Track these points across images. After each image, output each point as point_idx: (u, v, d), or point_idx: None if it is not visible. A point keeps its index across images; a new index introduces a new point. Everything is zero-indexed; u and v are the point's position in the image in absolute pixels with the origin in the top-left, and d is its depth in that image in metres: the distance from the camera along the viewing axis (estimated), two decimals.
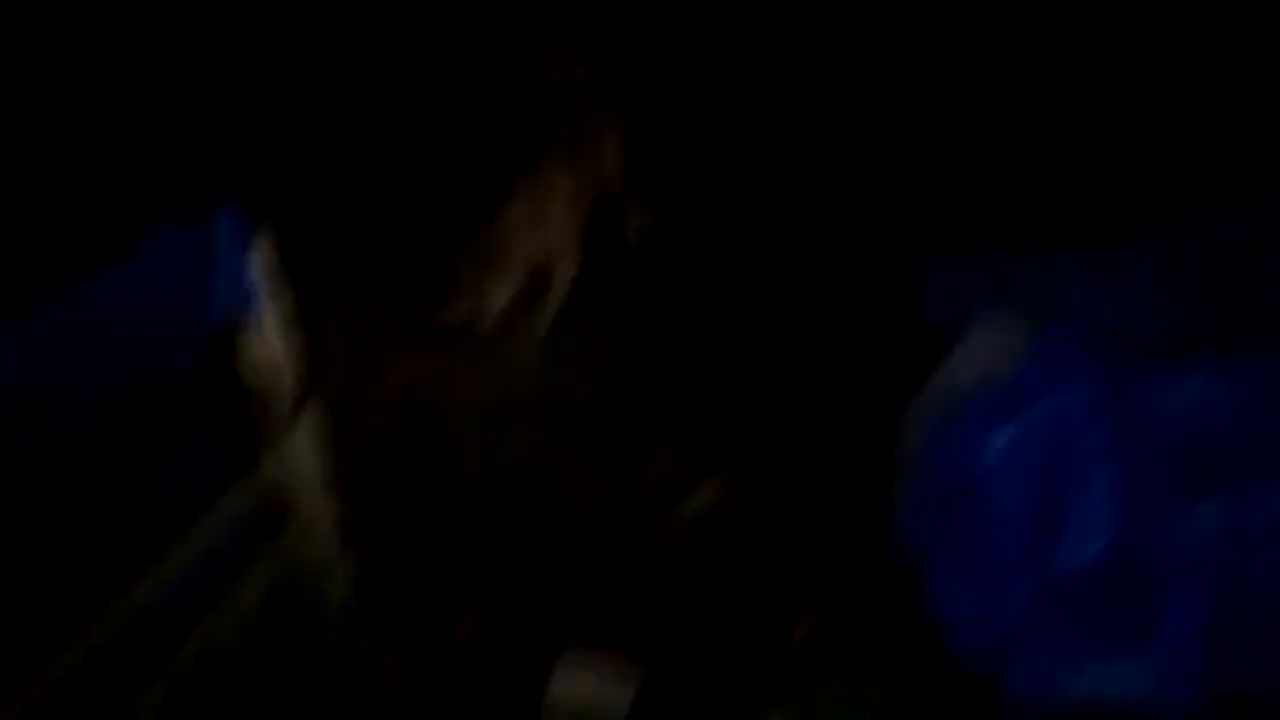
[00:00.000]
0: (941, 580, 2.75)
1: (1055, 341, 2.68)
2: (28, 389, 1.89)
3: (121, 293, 2.04)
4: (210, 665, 2.47)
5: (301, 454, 2.58)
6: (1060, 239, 3.79)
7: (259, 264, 2.27)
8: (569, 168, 4.39)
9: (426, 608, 2.92)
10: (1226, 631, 2.39)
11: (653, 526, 3.25)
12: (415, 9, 5.80)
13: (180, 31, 5.18)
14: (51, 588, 2.06)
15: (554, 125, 4.56)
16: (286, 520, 2.67)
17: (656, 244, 4.85)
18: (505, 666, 2.75)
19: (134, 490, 2.20)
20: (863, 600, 2.91)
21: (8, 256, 2.34)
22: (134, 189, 2.35)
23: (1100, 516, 2.58)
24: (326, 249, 4.76)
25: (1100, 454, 2.58)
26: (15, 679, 1.98)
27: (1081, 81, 4.90)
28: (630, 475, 3.48)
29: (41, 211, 2.43)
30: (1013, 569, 2.66)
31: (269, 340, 2.38)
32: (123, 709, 2.26)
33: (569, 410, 3.83)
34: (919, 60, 5.21)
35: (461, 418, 3.80)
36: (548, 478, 3.49)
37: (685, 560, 3.11)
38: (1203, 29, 4.68)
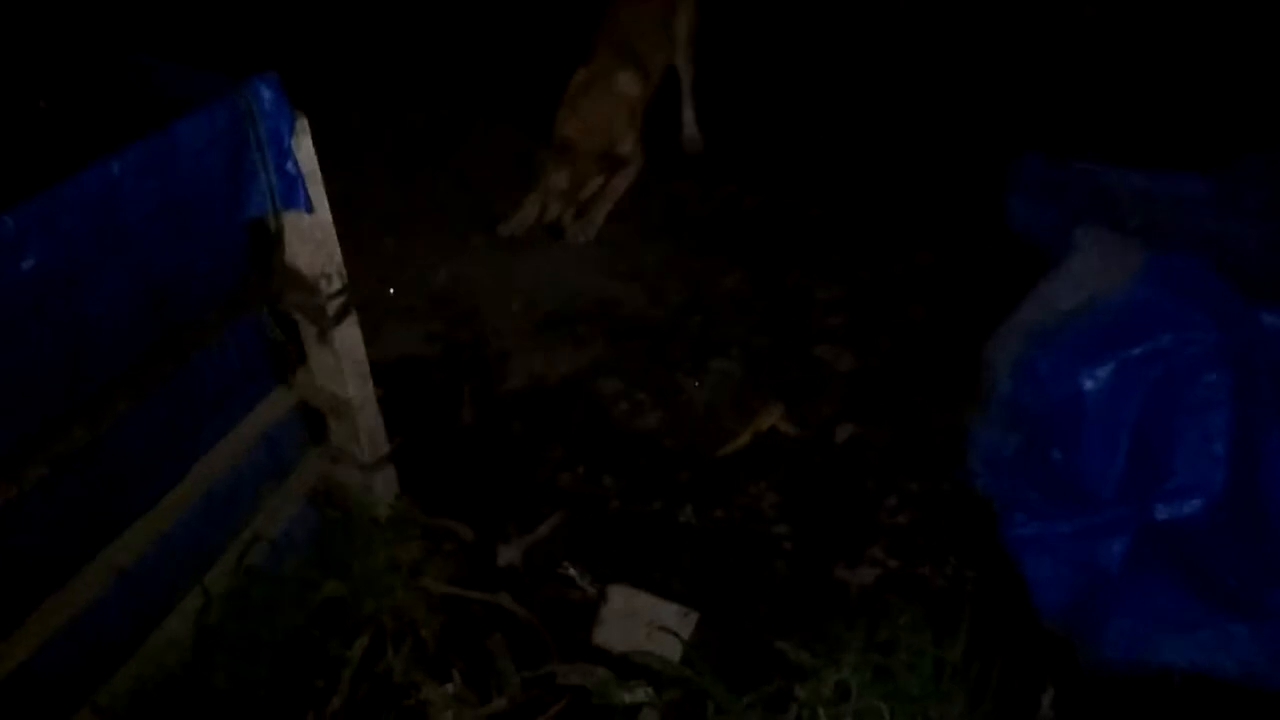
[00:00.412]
0: (1024, 524, 2.55)
1: (1175, 271, 2.43)
2: (48, 281, 1.69)
3: (150, 176, 1.82)
4: (253, 571, 2.34)
5: (343, 355, 2.39)
6: (1158, 153, 3.52)
7: (301, 153, 2.04)
8: (635, 53, 4.10)
9: (469, 528, 2.74)
10: None
11: (709, 449, 3.05)
12: None
13: None
14: (85, 486, 1.91)
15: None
16: (327, 428, 2.51)
17: (713, 144, 4.59)
18: (551, 597, 2.58)
19: (169, 392, 2.02)
20: (937, 541, 2.71)
21: (28, 136, 2.15)
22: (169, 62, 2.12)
23: (1210, 464, 2.37)
24: (371, 140, 4.55)
25: (1216, 396, 2.36)
26: (51, 576, 1.86)
27: None
28: (686, 393, 3.27)
29: (62, 88, 2.21)
30: (1107, 516, 2.46)
31: (312, 235, 2.16)
32: (160, 614, 2.14)
33: (621, 321, 3.62)
34: None
35: (508, 325, 3.59)
36: (597, 392, 3.29)
37: (743, 487, 2.91)
38: None
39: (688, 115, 4.54)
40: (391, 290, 3.69)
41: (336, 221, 2.21)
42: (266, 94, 1.94)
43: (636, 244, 4.01)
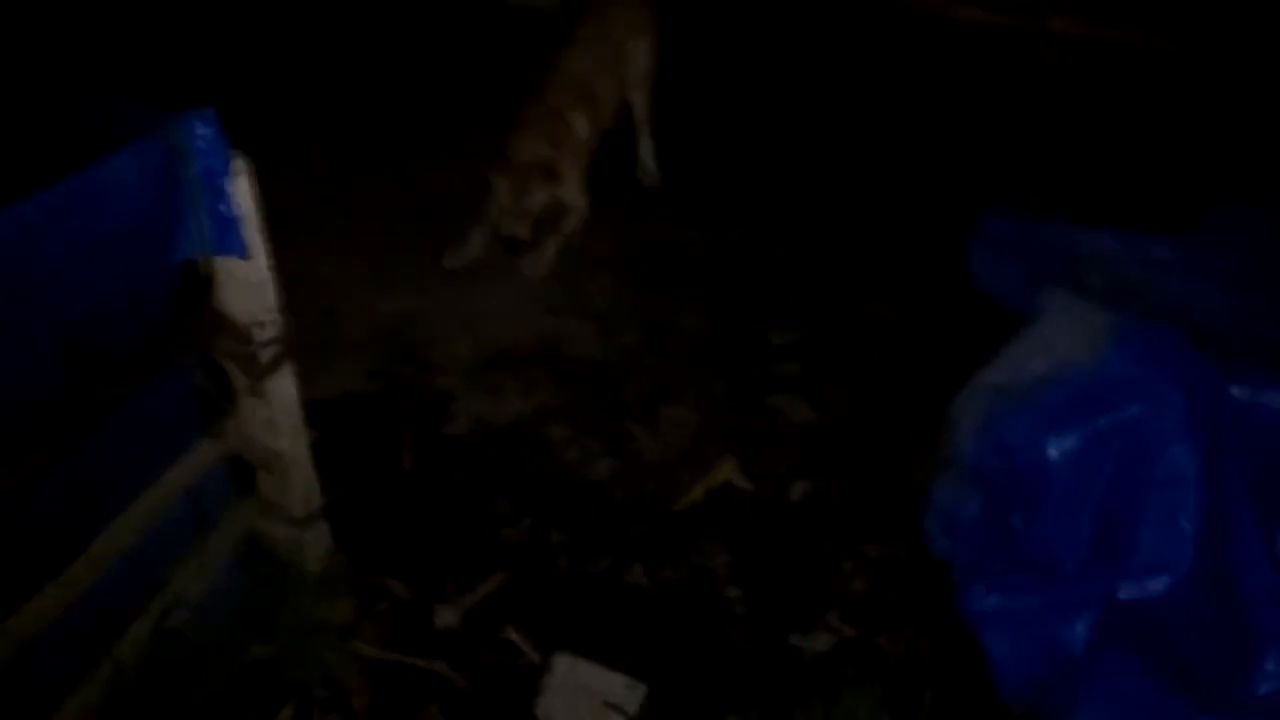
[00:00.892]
0: (984, 596, 2.46)
1: (1145, 340, 2.37)
2: None
3: (70, 219, 1.68)
4: (171, 635, 2.17)
5: (276, 406, 2.24)
6: (1123, 212, 3.48)
7: (238, 194, 1.90)
8: (588, 96, 3.99)
9: (406, 585, 2.60)
10: None
11: (661, 502, 2.94)
12: None
13: None
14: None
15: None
16: (257, 479, 2.36)
17: (672, 181, 4.49)
18: (491, 664, 2.44)
19: (91, 441, 1.86)
20: (895, 607, 2.62)
21: None
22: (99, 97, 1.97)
23: (1178, 541, 2.30)
24: (313, 163, 4.38)
25: (1185, 471, 2.29)
26: None
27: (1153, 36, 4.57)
28: (637, 441, 3.16)
29: None
30: (1070, 591, 2.38)
31: (247, 280, 2.02)
32: (71, 684, 1.98)
33: (572, 362, 3.49)
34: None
35: (453, 363, 3.45)
36: (545, 439, 3.16)
37: (696, 545, 2.80)
38: None
39: (645, 152, 4.44)
40: (331, 322, 3.53)
41: (273, 247, 2.06)
42: (201, 131, 1.81)
43: (590, 281, 3.89)
